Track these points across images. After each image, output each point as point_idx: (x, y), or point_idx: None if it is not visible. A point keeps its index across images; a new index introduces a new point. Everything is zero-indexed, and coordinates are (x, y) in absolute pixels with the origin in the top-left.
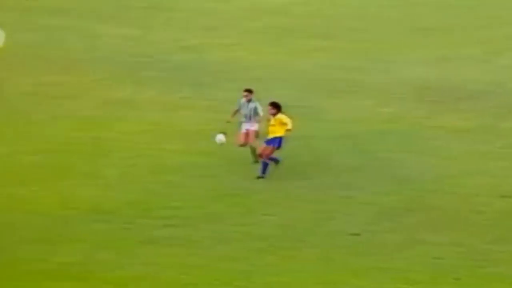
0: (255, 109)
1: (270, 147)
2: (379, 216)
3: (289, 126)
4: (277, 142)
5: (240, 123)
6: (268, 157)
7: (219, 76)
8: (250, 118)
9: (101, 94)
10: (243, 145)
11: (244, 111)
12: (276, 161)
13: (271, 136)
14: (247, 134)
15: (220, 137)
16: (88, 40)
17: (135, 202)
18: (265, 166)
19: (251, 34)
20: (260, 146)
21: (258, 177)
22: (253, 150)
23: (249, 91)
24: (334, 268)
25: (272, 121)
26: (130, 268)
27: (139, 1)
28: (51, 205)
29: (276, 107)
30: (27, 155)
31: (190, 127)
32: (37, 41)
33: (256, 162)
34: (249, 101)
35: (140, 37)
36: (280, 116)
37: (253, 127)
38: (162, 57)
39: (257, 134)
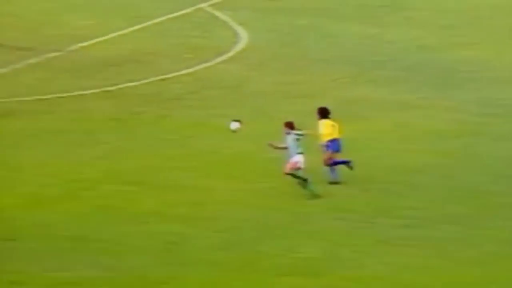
0: (296, 140)
1: (328, 152)
2: None
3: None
4: (334, 145)
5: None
6: (328, 163)
7: (458, 75)
8: (292, 150)
9: (339, 93)
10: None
11: (287, 144)
12: (346, 163)
13: (327, 138)
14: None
15: (235, 124)
16: (326, 39)
17: (375, 201)
18: (333, 169)
19: (490, 33)
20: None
21: (330, 183)
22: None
23: (289, 125)
24: None
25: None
26: (367, 267)
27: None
28: (290, 201)
29: (320, 113)
30: (268, 153)
31: (430, 127)
32: (277, 40)
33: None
34: (288, 133)
35: (377, 36)
36: (322, 121)
37: (300, 159)
38: (399, 56)
39: (297, 166)
